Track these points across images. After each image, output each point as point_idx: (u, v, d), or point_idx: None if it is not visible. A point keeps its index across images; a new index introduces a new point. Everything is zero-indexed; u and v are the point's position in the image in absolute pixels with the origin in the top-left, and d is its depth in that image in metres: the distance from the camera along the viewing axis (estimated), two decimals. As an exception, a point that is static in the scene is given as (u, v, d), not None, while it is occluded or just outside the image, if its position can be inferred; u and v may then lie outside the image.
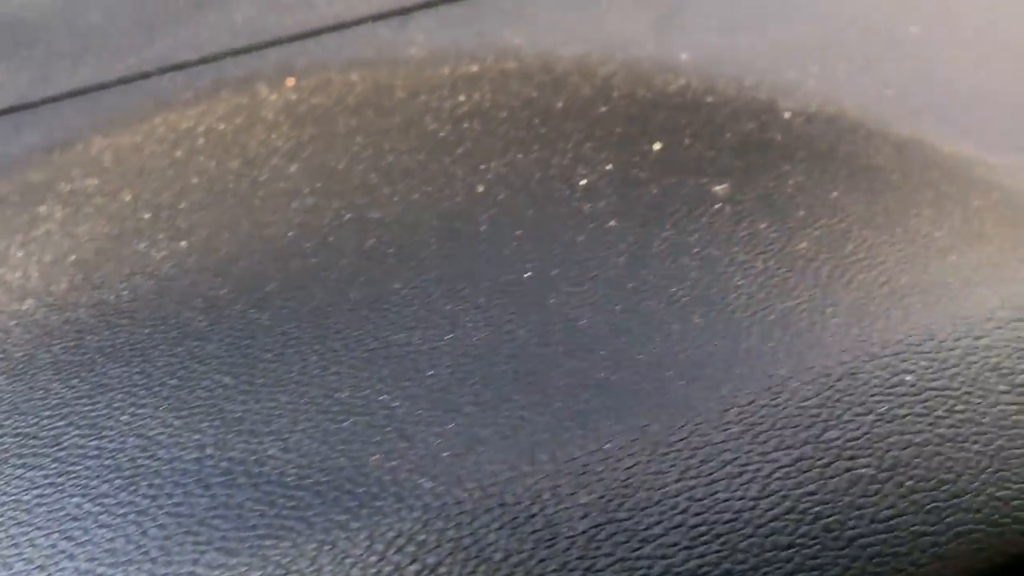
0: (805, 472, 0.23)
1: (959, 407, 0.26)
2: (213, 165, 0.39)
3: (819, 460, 0.24)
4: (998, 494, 0.25)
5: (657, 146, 0.36)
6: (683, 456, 0.23)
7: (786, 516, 0.23)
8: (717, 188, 0.32)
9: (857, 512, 0.23)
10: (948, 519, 0.24)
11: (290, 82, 0.48)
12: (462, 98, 0.43)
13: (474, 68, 0.48)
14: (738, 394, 0.24)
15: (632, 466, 0.23)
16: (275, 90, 0.47)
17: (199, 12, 0.57)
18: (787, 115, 0.43)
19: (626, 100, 0.42)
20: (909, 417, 0.25)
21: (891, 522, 0.23)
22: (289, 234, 0.31)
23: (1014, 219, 0.36)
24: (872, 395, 0.25)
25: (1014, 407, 0.26)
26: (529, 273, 0.28)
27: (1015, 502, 0.25)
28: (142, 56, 0.53)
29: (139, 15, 0.57)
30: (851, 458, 0.24)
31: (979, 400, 0.26)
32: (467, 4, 0.57)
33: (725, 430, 0.24)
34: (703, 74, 0.49)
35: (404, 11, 0.56)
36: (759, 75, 0.50)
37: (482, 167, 0.34)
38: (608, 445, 0.23)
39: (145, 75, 0.51)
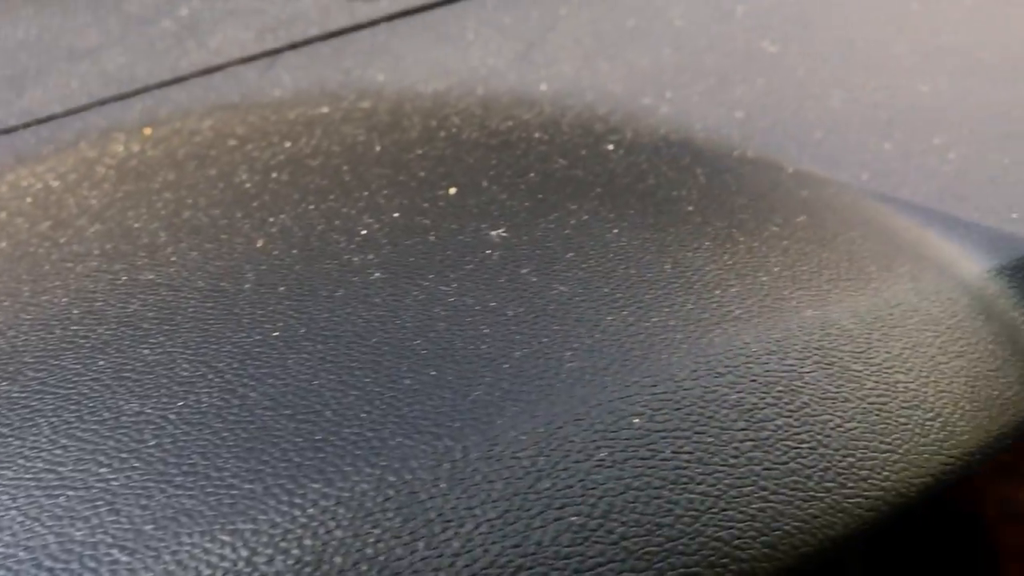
0: (511, 524, 0.24)
1: (687, 448, 0.26)
2: (26, 227, 0.39)
3: (527, 511, 0.24)
4: (719, 535, 0.25)
5: (452, 191, 0.36)
6: (387, 516, 0.23)
7: (485, 571, 0.23)
8: (494, 233, 0.33)
9: (562, 562, 0.23)
10: (659, 564, 0.24)
11: (147, 131, 0.49)
12: (287, 145, 0.43)
13: (324, 110, 0.49)
14: (453, 447, 0.25)
15: (333, 529, 0.23)
16: (130, 141, 0.48)
17: (71, 62, 0.57)
18: (609, 147, 0.43)
19: (446, 142, 0.42)
20: (630, 462, 0.25)
21: (597, 571, 0.23)
22: (63, 300, 0.31)
23: (808, 247, 0.36)
24: (593, 441, 0.25)
25: (749, 443, 0.27)
26: (277, 333, 0.28)
27: (737, 542, 0.25)
28: (10, 110, 0.53)
29: (10, 68, 0.57)
30: (561, 507, 0.24)
31: (711, 439, 0.26)
32: (335, 42, 0.57)
33: (435, 486, 0.24)
34: (557, 105, 0.49)
35: (273, 52, 0.56)
36: (614, 102, 0.50)
37: (270, 220, 0.34)
38: (311, 510, 0.23)
39: (10, 130, 0.52)
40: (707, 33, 0.56)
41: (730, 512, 0.25)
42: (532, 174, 0.38)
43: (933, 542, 0.45)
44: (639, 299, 0.30)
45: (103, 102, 0.53)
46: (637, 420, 0.26)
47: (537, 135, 0.44)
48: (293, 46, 0.56)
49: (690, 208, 0.36)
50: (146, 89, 0.53)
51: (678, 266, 0.32)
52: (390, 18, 0.58)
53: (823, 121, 0.50)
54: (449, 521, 0.23)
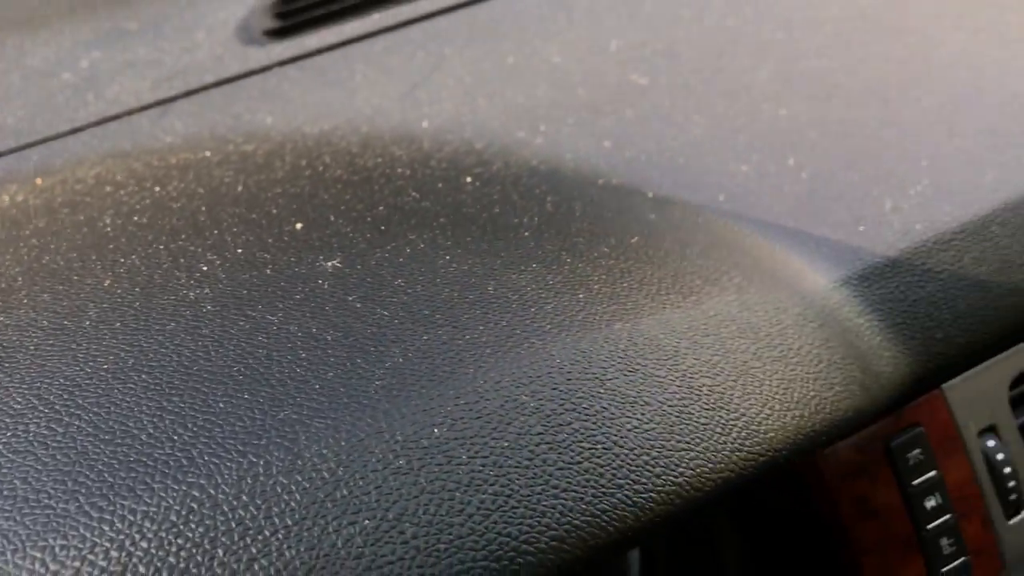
0: (307, 530, 0.26)
1: (483, 452, 0.28)
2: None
3: (323, 517, 0.26)
4: (507, 531, 0.27)
5: (299, 225, 0.38)
6: (189, 528, 0.25)
7: (279, 572, 0.25)
8: (328, 264, 0.35)
9: (354, 562, 0.25)
10: (447, 560, 0.26)
11: (39, 182, 0.51)
12: (156, 189, 0.45)
13: (206, 154, 0.51)
14: (257, 463, 0.27)
15: (139, 541, 0.25)
16: (18, 193, 0.49)
17: (-30, 118, 0.59)
18: (467, 180, 0.46)
19: (309, 180, 0.45)
20: (426, 468, 0.27)
21: (386, 569, 0.25)
22: (-84, 345, 0.33)
23: (634, 265, 0.39)
24: (393, 451, 0.27)
25: (545, 446, 0.29)
26: (107, 365, 0.30)
27: (524, 536, 0.27)
28: (-93, 168, 0.55)
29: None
30: (356, 512, 0.26)
31: (507, 444, 0.29)
32: (227, 88, 0.59)
33: (236, 499, 0.26)
34: (436, 141, 0.52)
35: (167, 101, 0.58)
36: (490, 137, 0.53)
37: (121, 261, 0.36)
38: (119, 524, 0.25)
39: None
40: (582, 68, 0.58)
41: (520, 510, 0.27)
42: (381, 207, 0.40)
43: (795, 543, 0.48)
44: (456, 319, 0.32)
45: (1, 155, 0.54)
46: (437, 430, 0.28)
47: (400, 170, 0.46)
48: (187, 94, 0.58)
49: (526, 234, 0.39)
50: (44, 140, 0.55)
51: (501, 287, 0.34)
52: (281, 63, 0.60)
53: (685, 147, 0.52)
54: (248, 529, 0.25)
